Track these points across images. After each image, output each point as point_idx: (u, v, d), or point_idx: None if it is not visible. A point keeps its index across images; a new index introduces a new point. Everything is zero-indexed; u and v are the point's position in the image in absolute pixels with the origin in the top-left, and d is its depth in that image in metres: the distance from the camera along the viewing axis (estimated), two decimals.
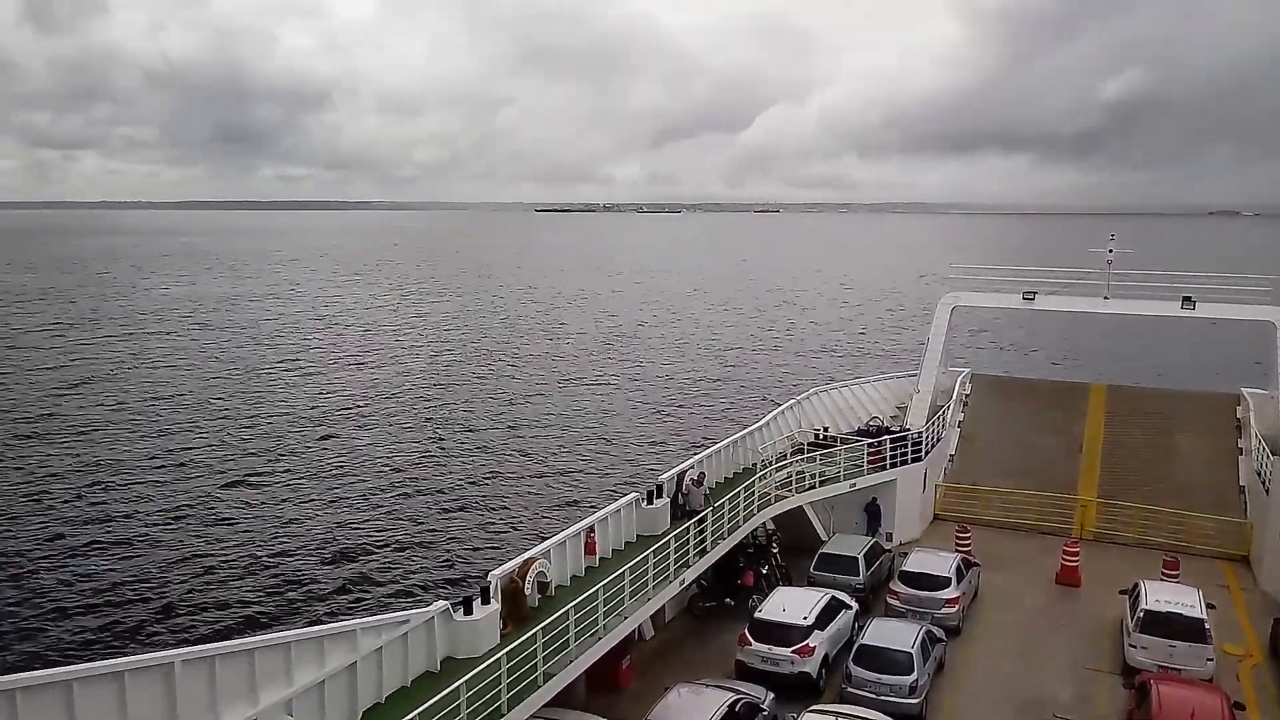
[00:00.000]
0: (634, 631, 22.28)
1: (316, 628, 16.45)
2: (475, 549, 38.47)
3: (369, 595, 34.09)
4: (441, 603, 18.39)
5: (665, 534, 23.92)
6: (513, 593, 19.72)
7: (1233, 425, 36.36)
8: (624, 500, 24.90)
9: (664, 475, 26.89)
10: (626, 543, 24.50)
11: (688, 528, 24.14)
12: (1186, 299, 34.54)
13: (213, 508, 42.53)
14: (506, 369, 79.02)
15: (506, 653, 17.16)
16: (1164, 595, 24.06)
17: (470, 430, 57.71)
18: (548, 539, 22.34)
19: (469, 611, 18.50)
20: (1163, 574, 27.91)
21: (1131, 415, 37.93)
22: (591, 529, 23.22)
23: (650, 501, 25.38)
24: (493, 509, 43.32)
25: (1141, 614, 23.33)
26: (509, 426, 58.76)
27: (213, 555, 37.22)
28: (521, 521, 41.67)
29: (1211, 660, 22.49)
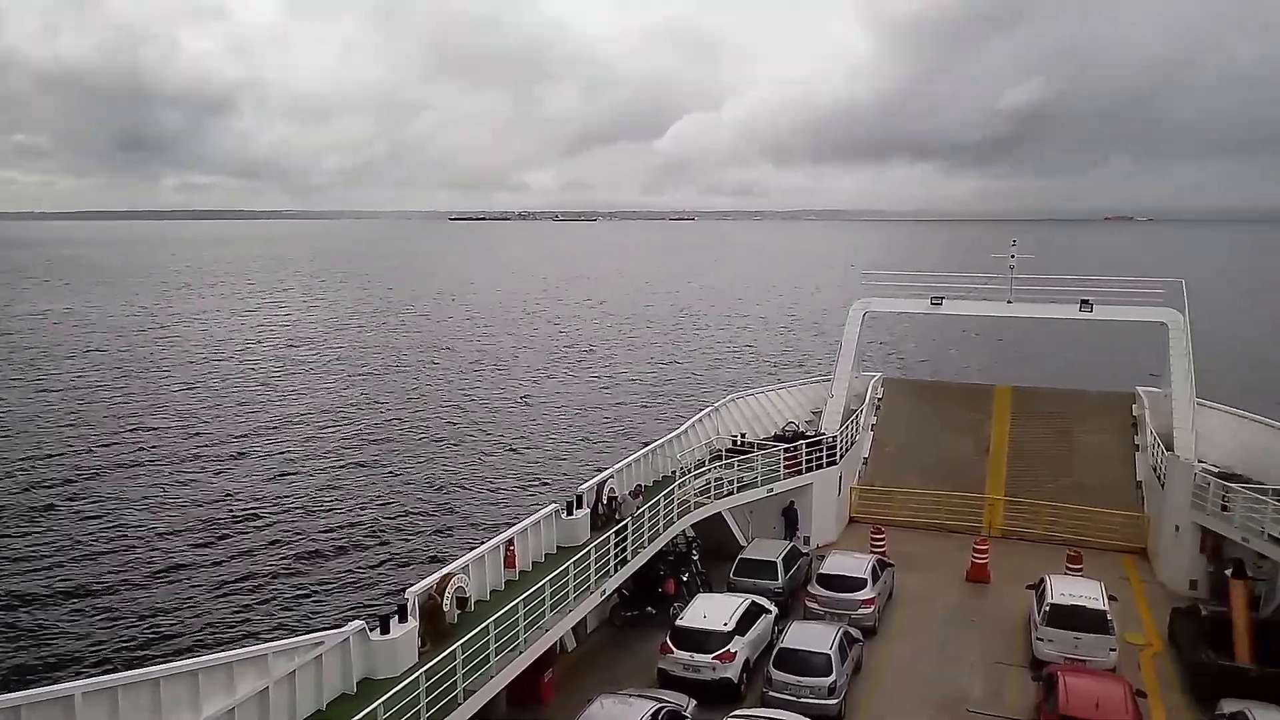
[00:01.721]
0: (556, 644, 22.12)
1: (225, 653, 15.90)
2: (392, 566, 37.76)
3: (281, 617, 33.15)
4: (357, 622, 17.97)
5: (586, 545, 23.82)
6: (431, 610, 19.39)
7: (1129, 423, 37.88)
8: (543, 512, 24.71)
9: (583, 486, 26.77)
10: (547, 554, 24.32)
11: (608, 537, 24.08)
12: (1084, 302, 35.83)
13: (112, 530, 40.84)
14: (418, 383, 77.95)
15: (425, 671, 16.88)
16: (1068, 589, 24.88)
17: (383, 445, 56.69)
18: (466, 553, 22.04)
19: (386, 630, 18.11)
20: (1067, 568, 28.90)
21: (1035, 415, 39.22)
22: (511, 542, 22.98)
23: (570, 512, 25.24)
24: (409, 525, 42.59)
25: (1048, 608, 24.09)
26: (423, 441, 57.93)
27: (113, 581, 35.75)
28: (439, 537, 41.06)
29: (1114, 650, 23.33)
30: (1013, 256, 36.49)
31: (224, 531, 41.05)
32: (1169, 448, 31.59)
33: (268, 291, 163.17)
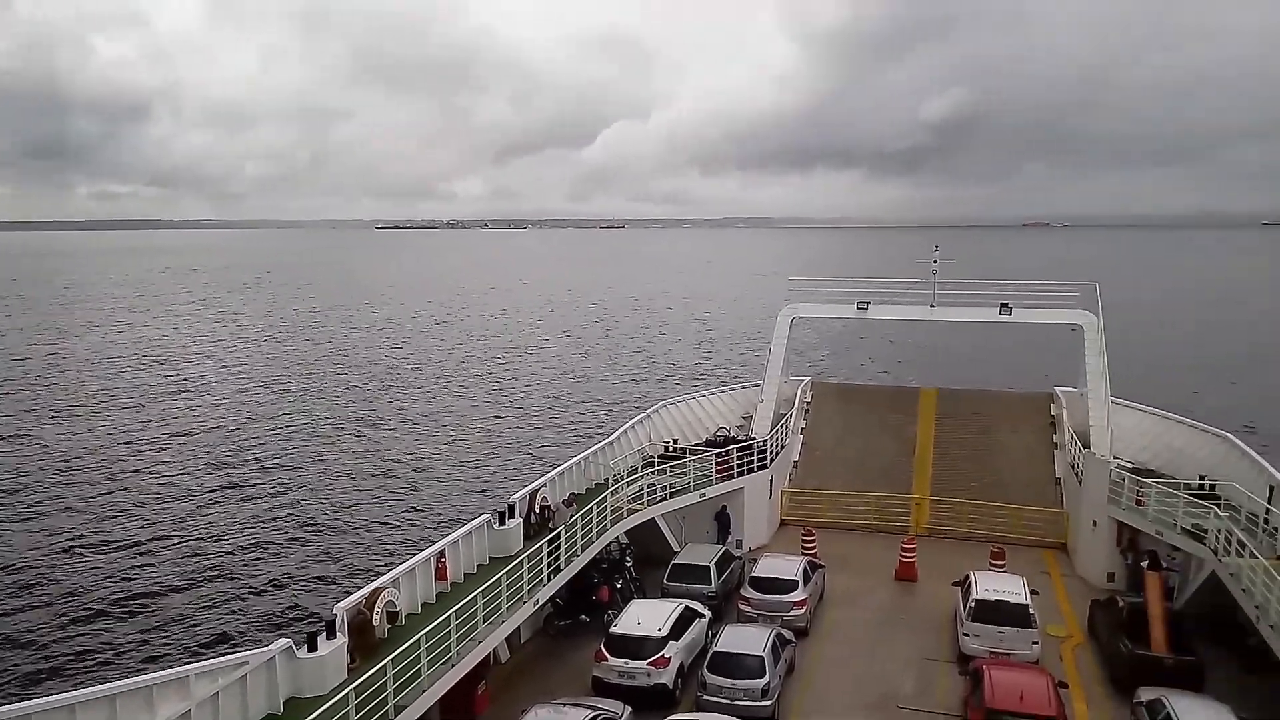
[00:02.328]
0: (489, 655, 21.92)
1: (145, 676, 15.42)
2: (321, 581, 36.99)
3: (204, 637, 32.23)
4: (283, 640, 17.56)
5: (518, 554, 23.66)
6: (360, 625, 19.06)
7: (1048, 422, 39.01)
8: (475, 522, 24.50)
9: (515, 495, 26.62)
10: (479, 565, 24.11)
11: (541, 546, 23.97)
12: (1004, 305, 36.76)
13: (27, 544, 39.26)
14: (349, 393, 76.62)
15: (354, 688, 16.58)
16: (992, 585, 25.48)
17: (311, 457, 55.57)
18: (397, 566, 21.72)
19: (313, 648, 17.73)
20: (991, 564, 29.60)
21: (958, 416, 40.13)
22: (442, 553, 22.72)
23: (502, 522, 25.06)
24: (338, 538, 41.81)
25: (973, 604, 24.64)
26: (353, 452, 56.95)
27: (26, 601, 34.37)
28: (369, 550, 40.37)
29: (1037, 643, 23.98)
30: (935, 262, 37.29)
31: (143, 548, 39.76)
32: (1086, 445, 32.58)
33: (188, 303, 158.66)
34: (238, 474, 51.56)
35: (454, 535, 23.54)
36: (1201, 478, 30.27)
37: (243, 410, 68.59)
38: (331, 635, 18.13)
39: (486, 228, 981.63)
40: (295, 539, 41.58)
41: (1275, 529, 24.56)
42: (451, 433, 62.04)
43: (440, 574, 22.56)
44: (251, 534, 42.05)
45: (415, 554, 22.58)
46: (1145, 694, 20.89)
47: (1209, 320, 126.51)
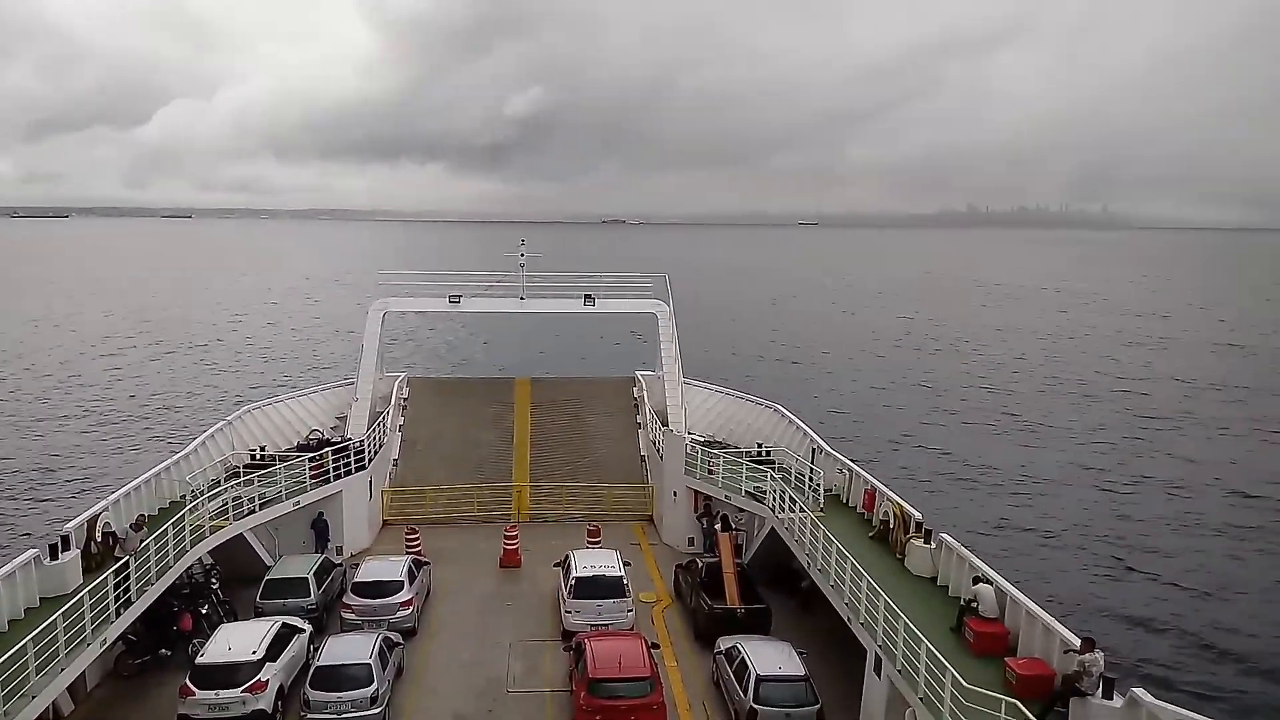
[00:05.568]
0: (47, 710, 18.94)
1: None
2: None
3: None
4: None
5: (78, 591, 20.65)
6: None
7: (632, 404, 42.02)
8: (19, 559, 20.97)
9: (70, 523, 23.24)
10: (27, 609, 20.69)
11: (105, 579, 21.13)
12: (587, 297, 38.92)
13: None
14: None
15: None
16: (590, 561, 26.94)
17: None
18: None
19: None
20: (588, 542, 31.26)
21: (552, 403, 41.89)
22: None
23: (55, 556, 21.73)
24: None
25: (573, 582, 25.89)
26: None
27: None
28: None
29: (631, 611, 25.72)
30: (522, 256, 38.45)
31: None
32: (665, 423, 35.58)
33: None
34: None
35: None
36: (759, 445, 34.41)
37: None
38: None
39: (17, 215, 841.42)
40: None
41: (818, 486, 28.54)
42: None
43: None
44: None
45: None
46: (724, 643, 23.32)
47: (760, 307, 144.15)
